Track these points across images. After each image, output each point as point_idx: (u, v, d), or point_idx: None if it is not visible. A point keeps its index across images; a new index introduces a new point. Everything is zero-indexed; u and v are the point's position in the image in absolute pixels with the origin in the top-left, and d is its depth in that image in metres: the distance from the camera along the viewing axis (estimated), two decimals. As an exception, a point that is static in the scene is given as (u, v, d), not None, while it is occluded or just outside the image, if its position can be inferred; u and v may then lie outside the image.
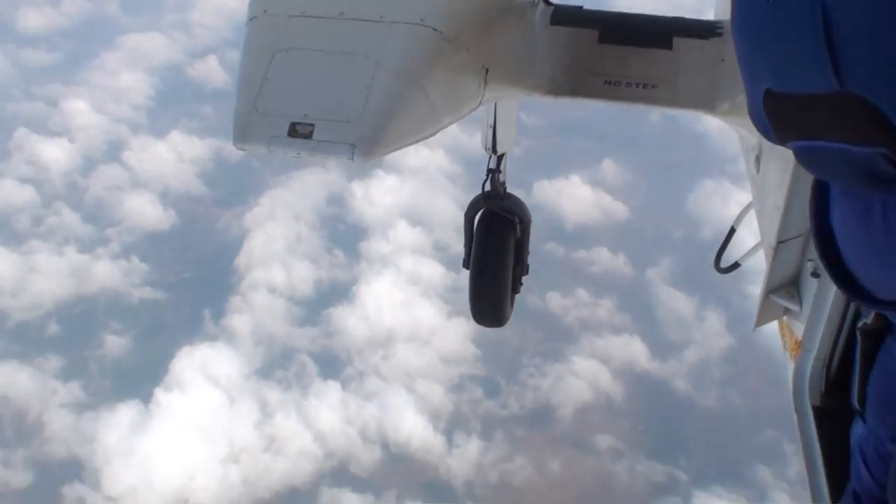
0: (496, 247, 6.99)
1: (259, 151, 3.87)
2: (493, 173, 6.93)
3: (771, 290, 5.26)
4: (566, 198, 58.91)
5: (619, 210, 60.09)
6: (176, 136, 67.49)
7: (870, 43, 2.12)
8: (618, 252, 56.32)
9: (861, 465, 3.32)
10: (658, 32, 5.35)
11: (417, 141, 4.15)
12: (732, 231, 6.29)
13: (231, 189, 62.24)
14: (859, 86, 2.16)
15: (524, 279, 7.40)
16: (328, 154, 3.75)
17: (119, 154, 65.74)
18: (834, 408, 4.52)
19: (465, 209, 7.07)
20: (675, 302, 52.66)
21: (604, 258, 56.24)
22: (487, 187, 6.96)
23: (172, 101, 72.23)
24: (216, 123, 67.87)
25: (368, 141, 3.71)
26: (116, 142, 67.19)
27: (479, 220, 7.02)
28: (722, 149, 59.89)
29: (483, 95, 4.66)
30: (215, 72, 75.24)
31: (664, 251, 56.45)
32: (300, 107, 3.81)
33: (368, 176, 62.37)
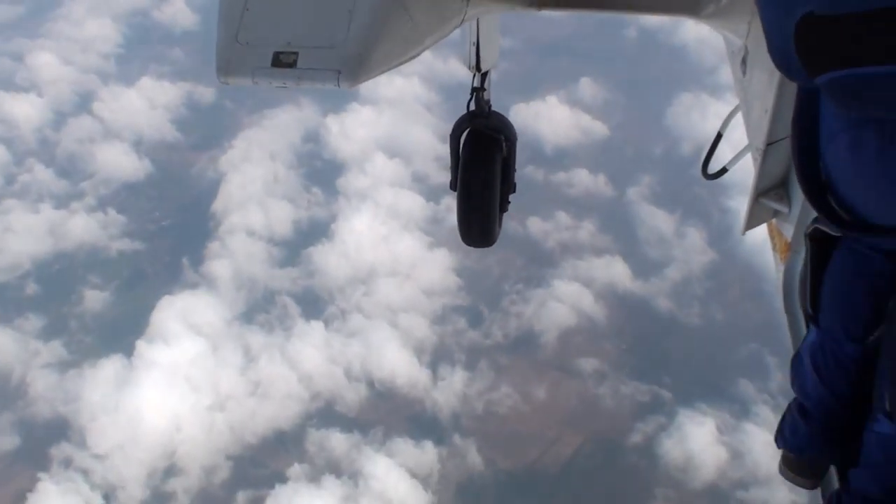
0: (483, 166, 6.91)
1: (243, 84, 3.79)
2: (478, 92, 6.82)
3: (760, 193, 5.10)
4: (544, 120, 58.26)
5: (598, 129, 59.53)
6: (147, 83, 66.81)
7: None
8: (598, 172, 55.85)
9: (811, 373, 3.39)
10: None
11: (403, 63, 4.11)
12: (719, 136, 6.13)
13: (205, 133, 61.65)
14: None
15: (511, 197, 7.37)
16: (314, 81, 3.67)
17: (89, 105, 64.96)
18: None
19: (451, 129, 6.97)
20: (656, 220, 52.35)
21: (584, 179, 55.78)
22: (472, 107, 6.85)
23: (141, 47, 71.48)
24: (187, 66, 67.34)
25: (354, 66, 3.65)
26: (86, 93, 66.47)
27: (464, 141, 6.93)
28: (699, 61, 59.35)
29: (466, 12, 4.60)
30: (183, 13, 74.49)
31: (644, 169, 55.99)
32: (282, 36, 3.74)
33: (343, 110, 61.75)
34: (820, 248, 3.34)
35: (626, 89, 61.50)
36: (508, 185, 7.24)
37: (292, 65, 3.66)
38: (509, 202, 7.35)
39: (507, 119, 7.08)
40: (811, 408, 3.59)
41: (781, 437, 4.00)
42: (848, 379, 3.46)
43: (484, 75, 6.81)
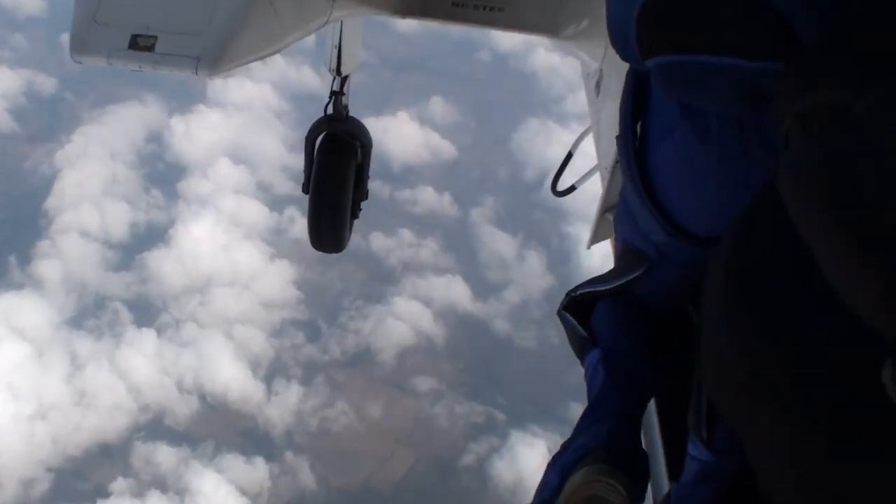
0: (337, 171, 6.92)
1: (98, 64, 3.70)
2: (336, 96, 6.84)
3: (606, 209, 5.12)
4: (393, 135, 58.25)
5: (447, 149, 60.00)
6: (-16, 68, 63.50)
7: None
8: (443, 192, 56.31)
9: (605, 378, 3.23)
10: None
11: (263, 57, 4.05)
12: (570, 155, 6.14)
13: (43, 125, 59.16)
14: None
15: (362, 204, 7.46)
16: (171, 67, 3.62)
17: (-82, 87, 61.44)
18: None
19: (307, 132, 6.98)
20: (498, 242, 53.23)
21: (429, 198, 56.20)
22: (330, 110, 6.86)
23: (-21, 30, 67.88)
24: (29, 54, 64.51)
25: (213, 55, 3.60)
26: (-84, 74, 62.77)
27: (319, 144, 6.94)
28: (548, 89, 60.79)
29: (331, 13, 4.60)
30: (28, -2, 70.97)
31: (489, 191, 56.80)
32: (142, 18, 3.65)
33: (190, 111, 60.30)
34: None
35: (476, 111, 62.19)
36: (361, 192, 7.30)
37: (150, 48, 3.61)
38: (361, 209, 7.43)
39: (364, 125, 7.17)
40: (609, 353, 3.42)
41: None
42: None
43: (344, 80, 6.85)
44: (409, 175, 57.23)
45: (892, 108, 1.40)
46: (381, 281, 50.40)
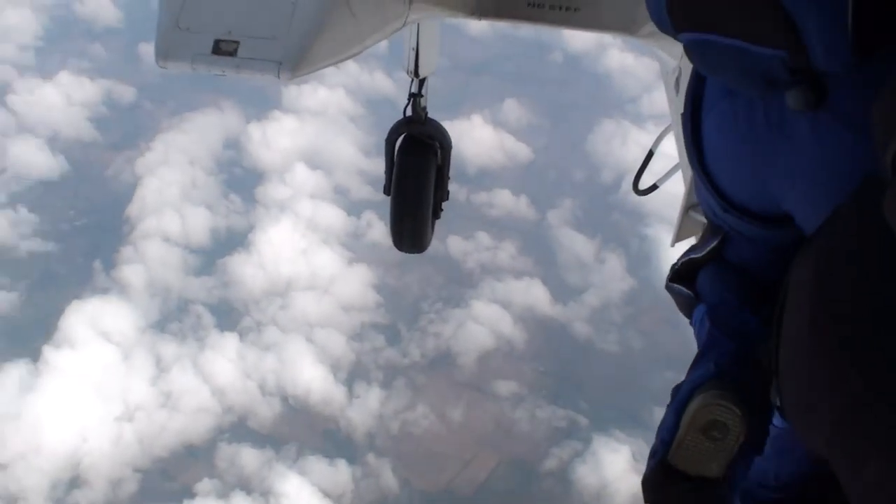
0: (417, 172, 7.00)
1: (182, 69, 3.78)
2: (415, 98, 6.89)
3: (690, 207, 5.11)
4: (468, 139, 58.10)
5: (522, 151, 59.78)
6: (65, 78, 64.84)
7: None
8: (520, 194, 56.09)
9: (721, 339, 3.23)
10: None
11: (342, 60, 4.13)
12: (651, 154, 6.07)
13: (123, 133, 60.31)
14: None
15: (444, 205, 7.52)
16: (253, 72, 3.70)
17: (4, 98, 62.93)
18: None
19: (386, 134, 7.03)
20: (576, 244, 52.83)
21: (506, 201, 55.96)
22: (409, 112, 6.93)
23: (61, 41, 69.36)
24: (108, 63, 65.84)
25: (294, 59, 3.67)
26: (1, 85, 64.27)
27: (399, 146, 7.00)
28: (622, 89, 60.33)
29: (408, 15, 4.64)
30: (106, 9, 72.35)
31: (565, 193, 56.40)
32: (224, 23, 3.73)
33: (266, 117, 61.03)
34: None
35: (550, 113, 61.92)
36: (442, 192, 7.38)
37: (232, 53, 3.67)
38: (442, 209, 7.51)
39: (442, 127, 7.18)
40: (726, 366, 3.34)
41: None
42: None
43: (422, 81, 6.88)
44: (484, 178, 57.11)
45: None
46: (460, 284, 50.31)
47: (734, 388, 2.98)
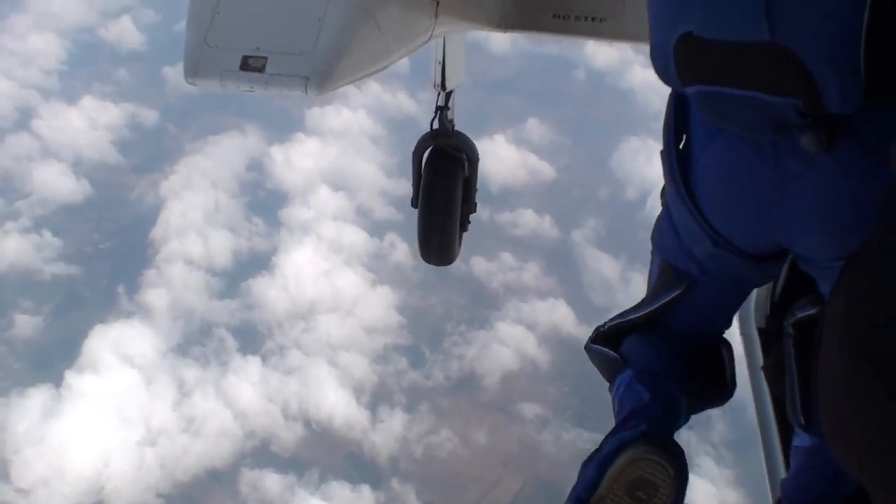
0: (444, 185, 6.92)
1: (211, 86, 3.77)
2: (441, 111, 6.80)
3: None
4: (491, 158, 57.82)
5: (545, 170, 59.56)
6: (89, 102, 65.41)
7: None
8: (543, 213, 55.78)
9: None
10: None
11: (369, 75, 4.14)
12: None
13: (147, 156, 60.60)
14: (789, 38, 2.39)
15: (471, 217, 7.35)
16: (281, 87, 3.70)
17: (28, 122, 63.38)
18: (779, 329, 4.15)
19: (414, 147, 6.92)
20: (601, 264, 52.45)
21: (529, 220, 55.71)
22: (436, 125, 6.83)
23: (85, 65, 70.01)
24: (131, 87, 66.33)
25: (322, 74, 3.68)
26: (26, 109, 64.82)
27: (427, 159, 6.90)
28: (646, 105, 59.73)
29: (434, 29, 4.64)
30: (130, 33, 72.99)
31: (590, 212, 56.09)
32: (252, 40, 3.76)
33: (288, 139, 61.09)
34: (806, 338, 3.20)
35: (573, 131, 61.65)
36: (469, 205, 7.21)
37: (261, 69, 3.68)
38: (470, 221, 7.33)
39: (469, 139, 7.07)
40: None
41: None
42: None
43: (448, 94, 6.77)
44: (508, 197, 56.86)
45: None
46: (484, 305, 50.00)
47: (666, 447, 3.00)
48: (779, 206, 2.76)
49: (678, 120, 3.06)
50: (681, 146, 3.09)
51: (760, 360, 4.63)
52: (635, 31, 5.28)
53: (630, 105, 62.13)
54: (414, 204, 7.01)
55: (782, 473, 3.84)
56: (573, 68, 65.96)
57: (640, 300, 3.58)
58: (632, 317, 3.52)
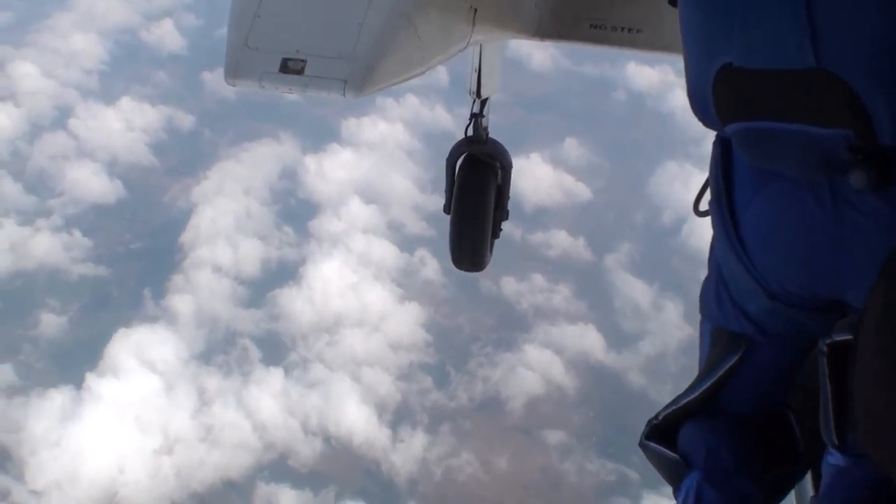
0: (477, 191, 7.10)
1: (251, 87, 3.84)
2: (476, 118, 7.00)
3: None
4: (527, 177, 57.32)
5: (581, 191, 58.98)
6: (127, 103, 65.90)
7: (852, 21, 2.24)
8: (577, 235, 55.09)
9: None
10: None
11: (407, 79, 4.17)
12: None
13: (181, 160, 60.82)
14: (836, 64, 2.30)
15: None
16: (319, 90, 3.78)
17: (66, 121, 63.82)
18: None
19: (448, 154, 7.14)
20: (633, 290, 51.58)
21: (562, 241, 54.98)
22: (470, 132, 7.03)
23: (126, 66, 70.62)
24: (170, 90, 66.89)
25: (360, 77, 3.75)
26: (65, 108, 65.56)
27: (460, 165, 7.09)
28: (686, 129, 58.96)
29: (471, 36, 4.71)
30: (171, 35, 73.79)
31: (624, 236, 55.39)
32: (292, 43, 3.82)
33: (323, 149, 60.93)
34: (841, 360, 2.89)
35: (611, 152, 61.07)
36: (501, 212, 7.38)
37: (300, 72, 3.74)
38: (501, 229, 7.50)
39: (503, 146, 7.23)
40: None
41: None
42: None
43: (483, 102, 6.98)
44: (542, 217, 56.32)
45: None
46: (512, 327, 49.32)
47: None
48: (834, 254, 2.64)
49: (726, 167, 2.94)
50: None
51: None
52: (672, 42, 4.98)
53: (670, 128, 61.46)
54: (447, 210, 7.19)
55: (810, 492, 3.68)
56: (613, 89, 65.63)
57: (691, 383, 3.35)
58: (686, 400, 3.29)
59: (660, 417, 3.38)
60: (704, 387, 3.22)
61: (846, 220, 2.59)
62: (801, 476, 3.43)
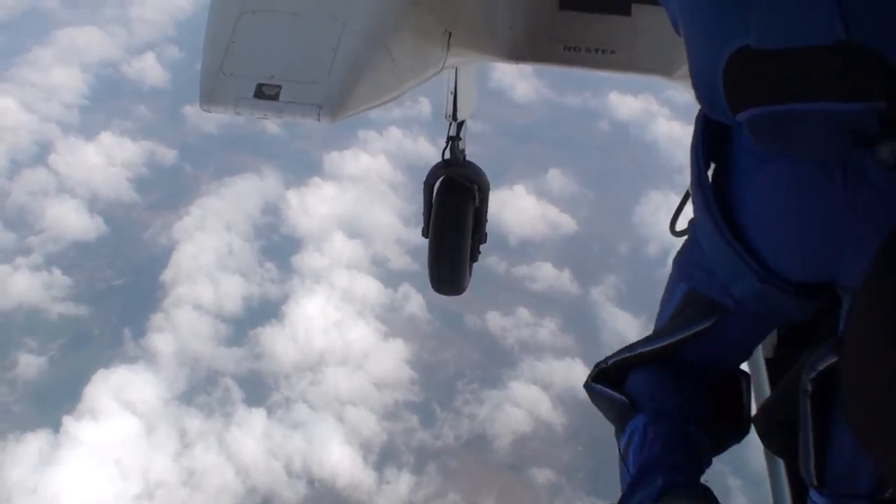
0: (455, 214, 7.08)
1: (225, 112, 3.82)
2: (453, 141, 7.00)
3: None
4: (511, 209, 57.33)
5: (566, 222, 58.82)
6: (107, 138, 65.48)
7: None
8: (563, 268, 54.82)
9: None
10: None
11: (382, 103, 4.19)
12: (688, 195, 5.46)
13: (163, 195, 60.29)
14: (867, 35, 2.25)
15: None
16: (294, 115, 3.74)
17: (46, 157, 63.29)
18: (787, 357, 4.29)
19: (425, 177, 7.10)
20: (620, 322, 51.30)
21: (548, 274, 54.76)
22: (447, 155, 7.02)
23: (107, 101, 70.14)
24: (151, 124, 66.46)
25: (335, 102, 3.74)
26: (45, 143, 64.96)
27: (438, 188, 7.06)
28: (670, 159, 59.02)
29: (445, 59, 4.78)
30: (153, 69, 73.53)
31: (610, 267, 55.16)
32: (267, 68, 3.81)
33: (305, 184, 60.52)
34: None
35: (595, 183, 60.99)
36: (480, 235, 7.32)
37: (275, 97, 3.70)
38: (480, 252, 7.43)
39: (480, 169, 7.17)
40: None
41: None
42: None
43: (460, 125, 6.98)
44: (527, 249, 56.15)
45: None
46: (498, 363, 48.94)
47: (697, 498, 2.94)
48: (843, 232, 2.62)
49: (708, 147, 2.93)
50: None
51: (768, 391, 4.53)
52: (645, 62, 5.53)
53: (653, 157, 61.63)
54: (425, 234, 7.14)
55: None
56: (597, 119, 65.61)
57: (650, 334, 3.34)
58: (643, 349, 3.28)
59: (609, 362, 3.37)
60: (667, 342, 3.21)
61: (859, 200, 2.57)
62: (740, 439, 3.37)
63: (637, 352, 3.32)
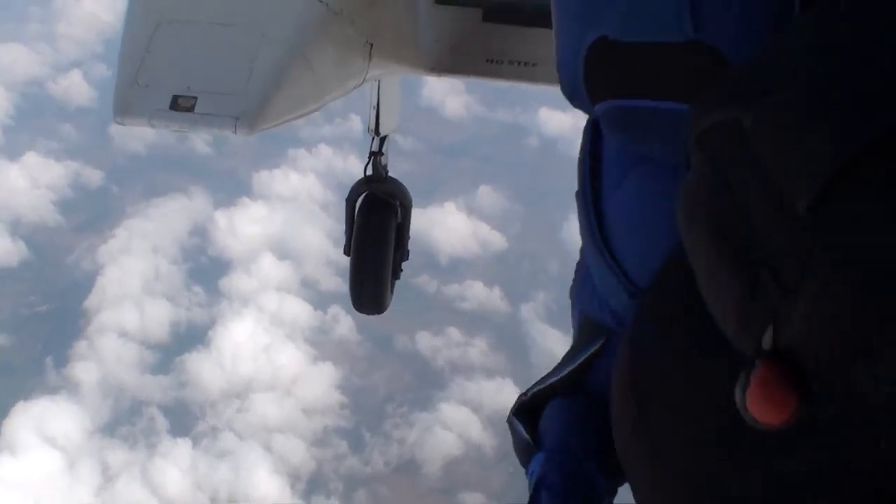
0: (377, 231, 7.15)
1: (140, 125, 3.87)
2: (375, 156, 7.06)
3: None
4: (440, 227, 57.20)
5: (496, 240, 58.73)
6: (32, 159, 63.90)
7: None
8: (493, 286, 54.75)
9: None
10: (540, 12, 4.76)
11: (301, 116, 4.21)
12: None
13: (88, 218, 59.11)
14: (714, 36, 2.21)
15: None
16: (211, 127, 3.79)
17: (-35, 180, 61.80)
18: None
19: (347, 194, 7.16)
20: (549, 341, 50.99)
21: (478, 293, 54.61)
22: (369, 171, 7.10)
23: (32, 120, 68.71)
24: (77, 144, 65.12)
25: (252, 114, 3.74)
26: (-33, 165, 63.24)
27: (360, 205, 7.11)
28: (599, 175, 59.23)
29: (367, 71, 4.80)
30: (80, 87, 72.01)
31: (540, 284, 55.08)
32: (183, 79, 3.81)
33: (234, 204, 59.79)
34: None
35: (526, 199, 61.08)
36: (402, 252, 7.42)
37: (190, 109, 3.71)
38: (402, 269, 7.54)
39: (403, 185, 7.29)
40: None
41: None
42: None
43: (382, 140, 7.03)
44: (458, 268, 56.08)
45: (776, 120, 1.36)
46: (428, 385, 48.72)
47: None
48: None
49: (594, 155, 2.75)
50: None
51: None
52: None
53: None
54: (346, 251, 7.17)
55: None
56: (527, 135, 65.72)
57: (557, 363, 3.12)
58: (552, 380, 3.04)
59: (528, 394, 3.15)
60: (567, 370, 2.99)
61: None
62: None
63: (547, 383, 3.11)
